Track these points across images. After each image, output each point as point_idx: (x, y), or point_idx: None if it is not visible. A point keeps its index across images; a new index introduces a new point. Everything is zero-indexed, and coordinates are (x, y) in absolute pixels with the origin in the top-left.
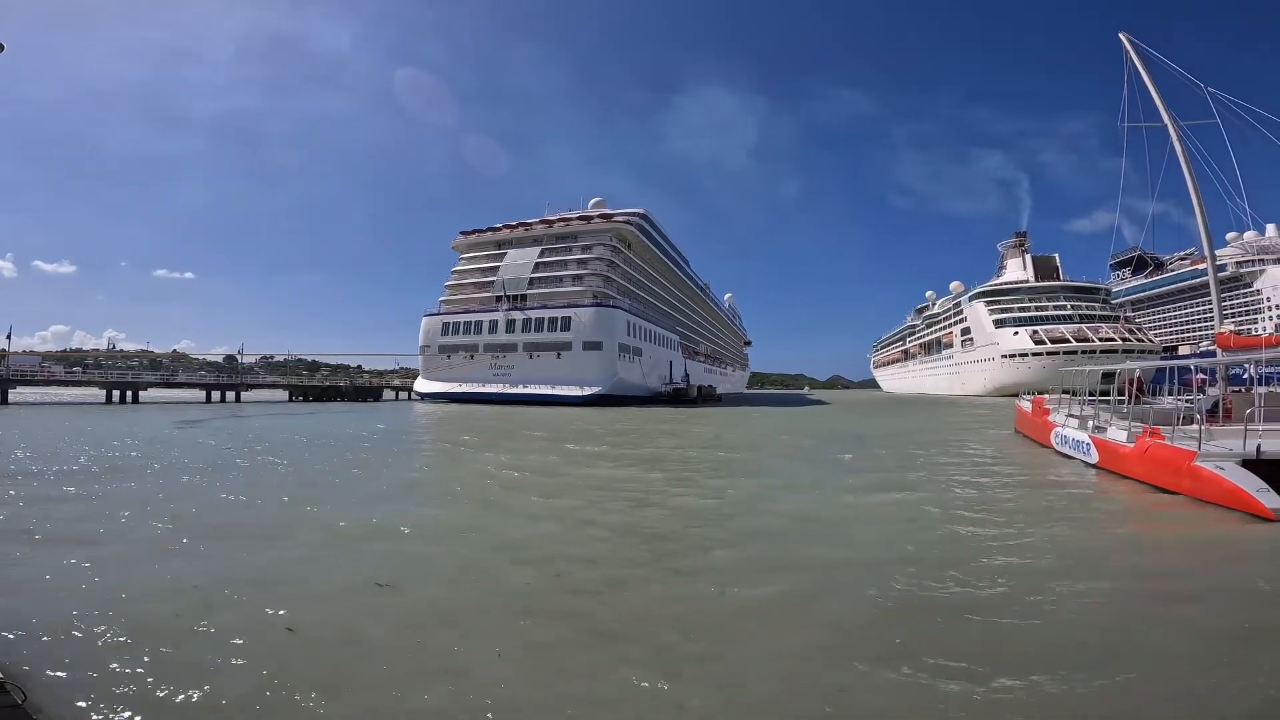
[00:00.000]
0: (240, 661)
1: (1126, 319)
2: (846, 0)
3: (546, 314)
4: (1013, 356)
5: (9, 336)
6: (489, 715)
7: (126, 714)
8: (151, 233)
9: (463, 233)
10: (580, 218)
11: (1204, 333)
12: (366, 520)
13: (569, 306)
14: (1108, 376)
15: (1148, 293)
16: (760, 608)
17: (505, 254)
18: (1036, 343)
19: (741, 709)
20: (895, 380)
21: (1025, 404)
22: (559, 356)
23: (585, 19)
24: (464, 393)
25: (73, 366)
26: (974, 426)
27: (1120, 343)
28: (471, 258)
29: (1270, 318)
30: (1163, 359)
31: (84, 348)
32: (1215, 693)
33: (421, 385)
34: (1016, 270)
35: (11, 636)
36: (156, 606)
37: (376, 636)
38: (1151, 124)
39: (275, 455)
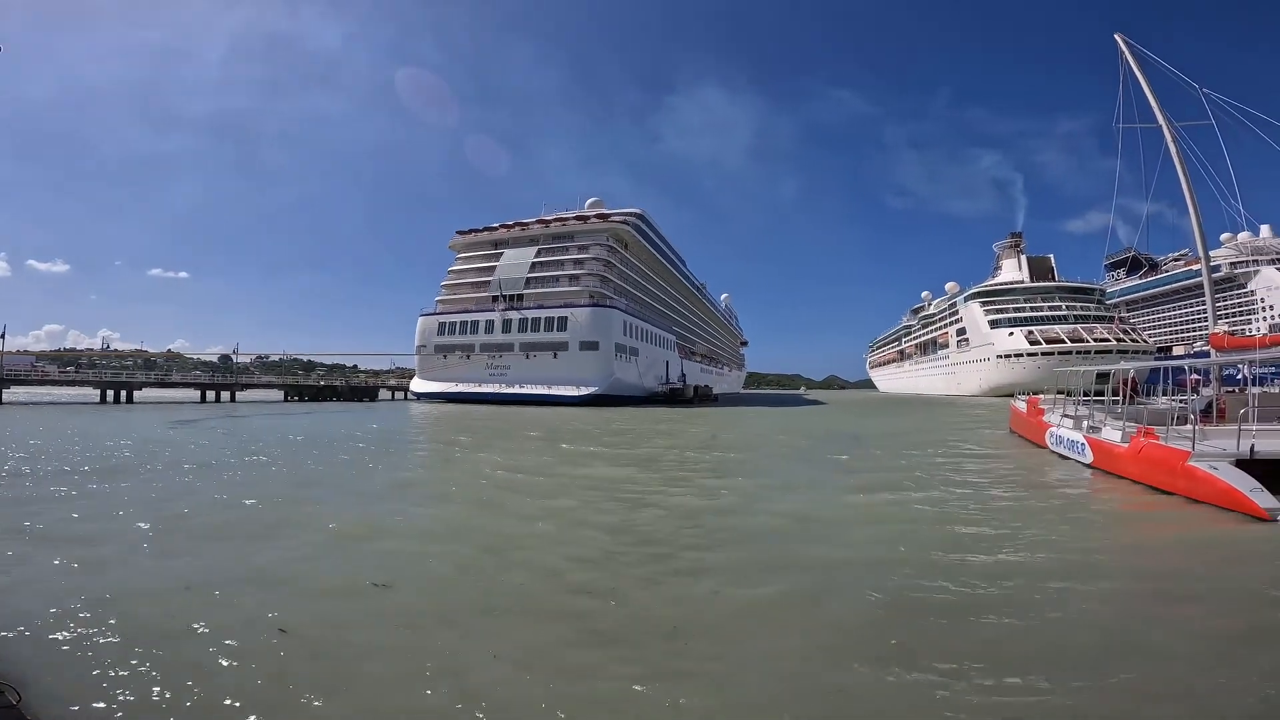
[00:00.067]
0: (235, 662)
1: (1121, 319)
2: (844, 0)
3: (543, 314)
4: (1008, 357)
5: (2, 336)
6: (485, 716)
7: (121, 715)
8: (146, 232)
9: (459, 232)
10: (577, 218)
11: (1198, 333)
12: (362, 520)
13: (565, 306)
14: (1102, 377)
15: (1142, 293)
16: (758, 608)
17: (502, 254)
18: (1031, 343)
19: (740, 709)
20: (891, 381)
21: (1020, 404)
22: (555, 356)
23: (581, 18)
24: (460, 393)
25: (67, 366)
26: (970, 427)
27: (1115, 343)
28: (468, 257)
29: (1264, 318)
30: (1157, 359)
31: (78, 347)
32: (1215, 693)
33: (417, 385)
34: (1012, 271)
35: (7, 636)
36: (151, 607)
37: (372, 637)
38: (1146, 125)
39: (270, 455)
